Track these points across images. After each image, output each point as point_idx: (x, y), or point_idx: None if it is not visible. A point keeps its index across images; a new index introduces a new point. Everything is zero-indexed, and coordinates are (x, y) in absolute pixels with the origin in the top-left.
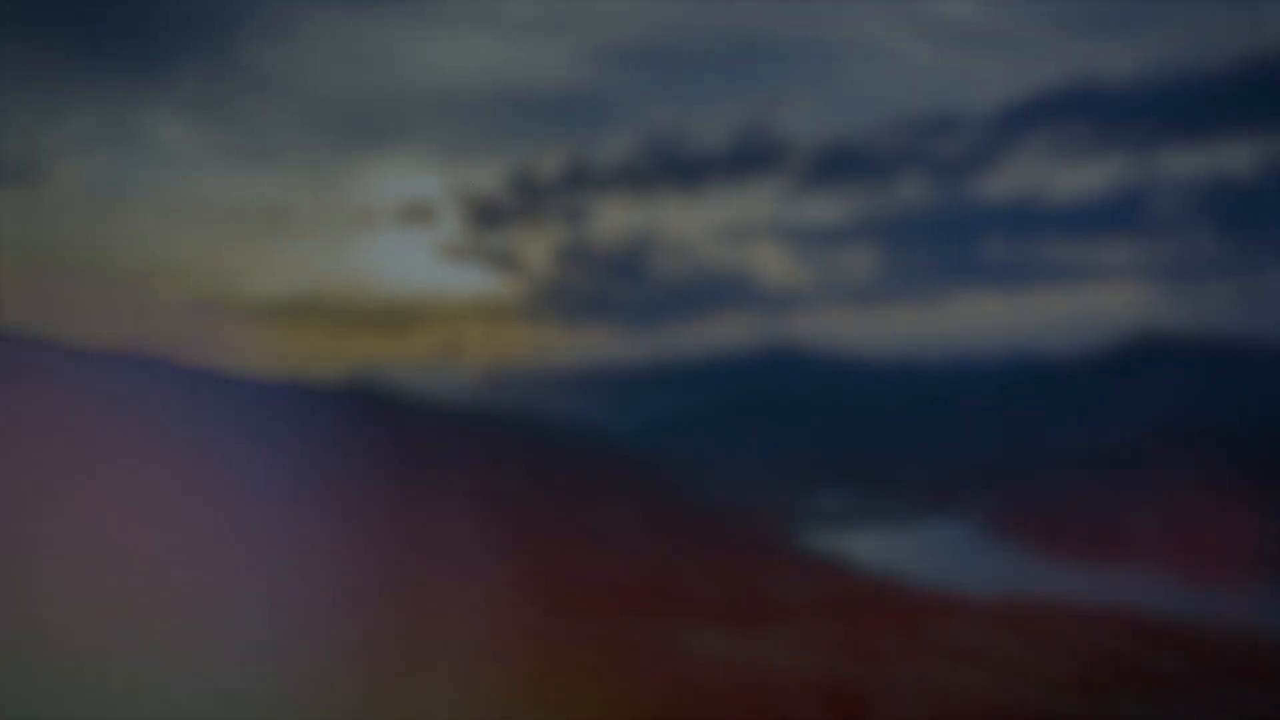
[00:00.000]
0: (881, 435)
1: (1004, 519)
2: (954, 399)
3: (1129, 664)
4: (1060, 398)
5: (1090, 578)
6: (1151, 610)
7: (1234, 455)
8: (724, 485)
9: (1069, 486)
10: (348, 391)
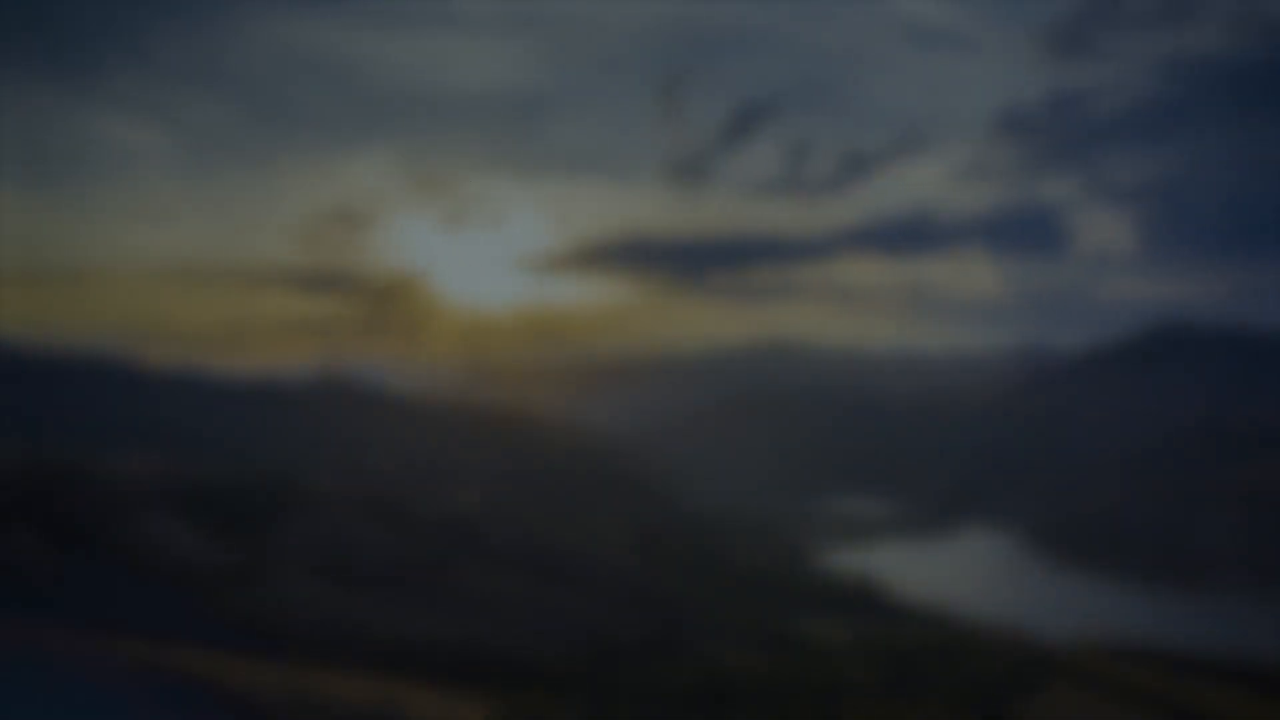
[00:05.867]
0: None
1: (1047, 531)
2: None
3: None
4: (1076, 392)
5: (1171, 607)
6: (1262, 651)
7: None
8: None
9: (1111, 492)
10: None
